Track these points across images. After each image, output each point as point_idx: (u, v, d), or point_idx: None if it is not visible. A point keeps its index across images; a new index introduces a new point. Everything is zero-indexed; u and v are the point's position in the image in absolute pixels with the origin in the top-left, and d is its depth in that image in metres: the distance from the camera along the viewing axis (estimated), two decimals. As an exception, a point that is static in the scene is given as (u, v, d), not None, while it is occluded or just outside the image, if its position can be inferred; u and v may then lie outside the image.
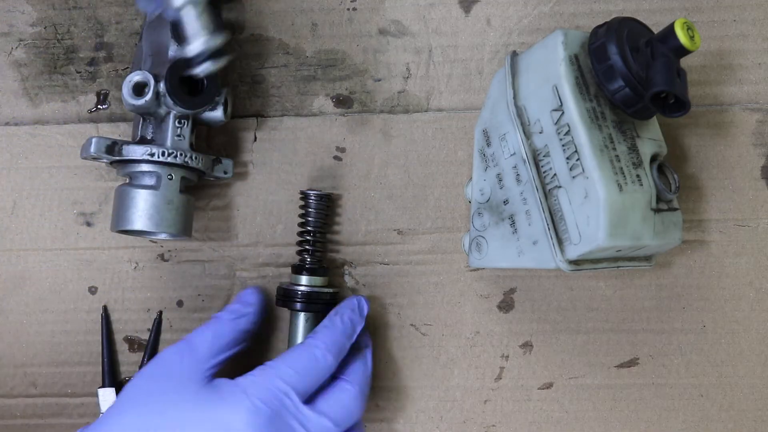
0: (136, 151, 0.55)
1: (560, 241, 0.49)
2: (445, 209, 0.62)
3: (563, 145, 0.49)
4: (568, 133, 0.49)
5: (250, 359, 0.58)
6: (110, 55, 0.64)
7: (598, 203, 0.47)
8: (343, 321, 0.55)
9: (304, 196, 0.60)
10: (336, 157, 0.63)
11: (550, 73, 0.50)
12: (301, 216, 0.60)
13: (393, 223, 0.62)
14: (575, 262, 0.50)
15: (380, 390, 0.62)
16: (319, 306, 0.58)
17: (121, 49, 0.64)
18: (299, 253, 0.60)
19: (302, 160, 0.63)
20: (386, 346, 0.62)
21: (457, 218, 0.62)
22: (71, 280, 0.63)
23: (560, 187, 0.49)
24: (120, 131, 0.63)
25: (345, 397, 0.53)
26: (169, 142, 0.56)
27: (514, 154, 0.53)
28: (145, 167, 0.56)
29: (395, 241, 0.62)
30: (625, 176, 0.48)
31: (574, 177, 0.48)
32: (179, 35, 0.53)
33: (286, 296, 0.58)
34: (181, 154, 0.56)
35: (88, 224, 0.63)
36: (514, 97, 0.53)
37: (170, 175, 0.56)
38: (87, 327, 0.63)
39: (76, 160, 0.63)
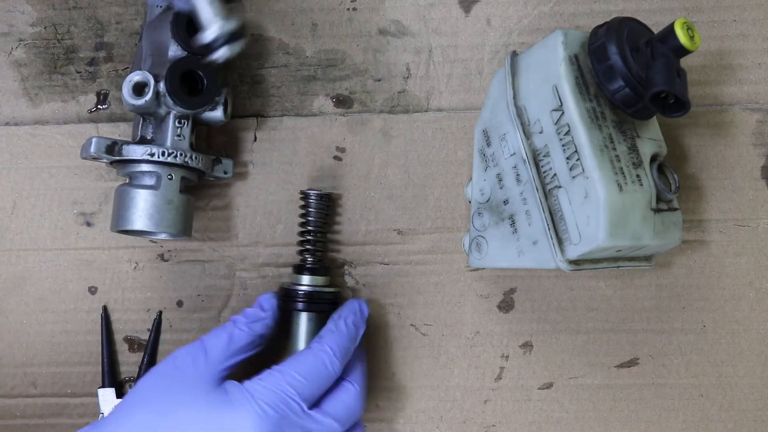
0: (136, 151, 0.55)
1: (560, 241, 0.49)
2: (445, 209, 0.62)
3: (563, 145, 0.49)
4: (568, 133, 0.49)
5: (252, 356, 0.58)
6: (110, 55, 0.64)
7: (598, 203, 0.47)
8: (347, 325, 0.55)
9: (305, 195, 0.60)
10: (336, 157, 0.63)
11: (550, 73, 0.50)
12: (302, 216, 0.60)
13: (393, 223, 0.62)
14: (575, 262, 0.50)
15: (380, 390, 0.62)
16: (321, 306, 0.58)
17: (121, 49, 0.64)
18: (300, 253, 0.60)
19: (302, 160, 0.63)
20: (386, 346, 0.62)
21: (457, 218, 0.62)
22: (71, 280, 0.63)
23: (560, 187, 0.49)
24: (120, 131, 0.63)
25: (349, 397, 0.54)
26: (169, 142, 0.56)
27: (514, 154, 0.53)
28: (145, 167, 0.56)
29: (395, 241, 0.62)
30: (625, 176, 0.48)
31: (574, 177, 0.48)
32: (195, 23, 0.53)
33: (288, 296, 0.58)
34: (181, 154, 0.56)
35: (88, 224, 0.63)
36: (514, 97, 0.53)
37: (170, 175, 0.56)
38: (87, 327, 0.63)
39: (76, 160, 0.63)
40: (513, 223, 0.53)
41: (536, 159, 0.51)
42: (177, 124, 0.57)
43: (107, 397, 0.61)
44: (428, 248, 0.62)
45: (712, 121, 0.62)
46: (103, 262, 0.63)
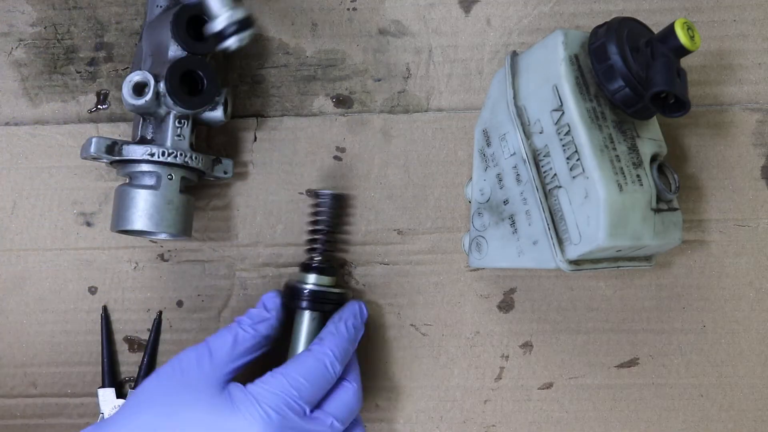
0: (136, 151, 0.55)
1: (560, 241, 0.49)
2: (445, 209, 0.62)
3: (563, 145, 0.49)
4: (568, 133, 0.49)
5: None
6: (110, 55, 0.64)
7: (598, 203, 0.47)
8: (347, 328, 0.56)
9: (317, 195, 0.60)
10: (336, 157, 0.63)
11: (550, 73, 0.50)
12: (313, 214, 0.60)
13: (393, 223, 0.62)
14: (575, 262, 0.50)
15: (380, 390, 0.62)
16: (326, 306, 0.58)
17: (121, 49, 0.64)
18: (308, 251, 0.60)
19: (302, 160, 0.63)
20: (386, 346, 0.62)
21: (457, 218, 0.62)
22: (71, 280, 0.63)
23: (560, 187, 0.49)
24: (120, 131, 0.63)
25: (348, 395, 0.54)
26: (169, 142, 0.56)
27: (514, 154, 0.53)
28: (145, 167, 0.56)
29: (395, 241, 0.62)
30: (625, 176, 0.48)
31: (574, 177, 0.48)
32: (205, 13, 0.53)
33: (293, 294, 0.58)
34: (181, 154, 0.56)
35: (88, 224, 0.63)
36: (514, 97, 0.53)
37: (170, 175, 0.56)
38: (87, 327, 0.63)
39: (76, 160, 0.63)
40: (513, 223, 0.53)
41: (536, 159, 0.51)
42: (177, 124, 0.57)
43: (107, 397, 0.61)
44: (428, 248, 0.62)
45: (712, 121, 0.62)
46: (103, 262, 0.63)
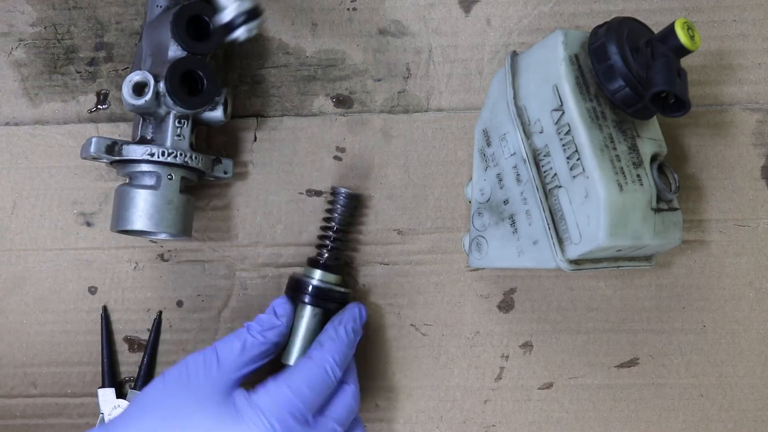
0: (136, 151, 0.55)
1: (561, 241, 0.49)
2: (445, 209, 0.62)
3: (563, 145, 0.49)
4: (568, 132, 0.49)
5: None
6: (110, 55, 0.64)
7: (598, 203, 0.47)
8: (347, 332, 0.55)
9: (334, 192, 0.60)
10: (336, 157, 0.63)
11: (551, 73, 0.50)
12: (327, 212, 0.60)
13: (393, 223, 0.62)
14: (576, 262, 0.50)
15: (380, 390, 0.62)
16: (328, 303, 0.57)
17: (121, 49, 0.64)
18: (318, 247, 0.59)
19: (302, 160, 0.63)
20: (386, 346, 0.62)
21: (457, 218, 0.62)
22: (71, 280, 0.63)
23: (560, 186, 0.49)
24: (120, 131, 0.63)
25: (347, 398, 0.54)
26: (169, 142, 0.56)
27: (515, 153, 0.53)
28: (145, 167, 0.56)
29: (395, 241, 0.62)
30: (625, 176, 0.48)
31: (574, 177, 0.48)
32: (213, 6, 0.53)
33: (297, 287, 0.57)
34: (181, 154, 0.56)
35: (88, 224, 0.63)
36: (514, 97, 0.53)
37: (170, 175, 0.56)
38: (87, 327, 0.62)
39: (76, 160, 0.63)
40: (513, 223, 0.53)
41: (536, 159, 0.51)
42: (177, 124, 0.57)
43: (107, 397, 0.61)
44: (428, 248, 0.62)
45: (712, 121, 0.62)
46: (103, 262, 0.63)
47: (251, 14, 0.51)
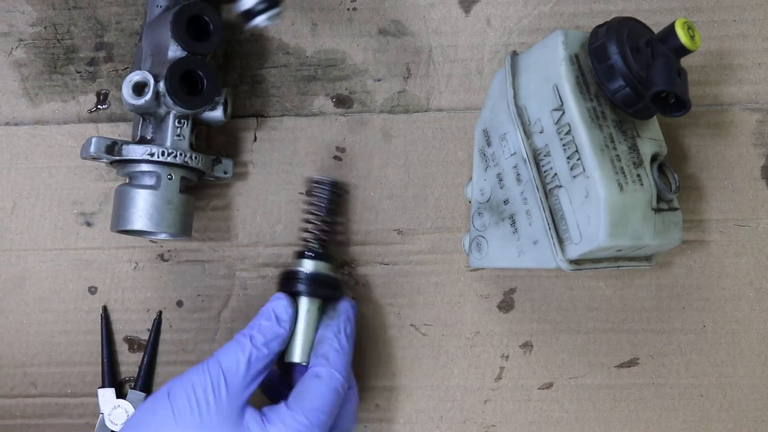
0: (136, 151, 0.55)
1: (561, 241, 0.49)
2: (445, 209, 0.62)
3: (564, 145, 0.49)
4: (568, 132, 0.49)
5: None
6: (110, 55, 0.64)
7: (598, 203, 0.47)
8: (347, 337, 0.54)
9: (314, 182, 0.58)
10: (336, 157, 0.63)
11: (551, 73, 0.50)
12: (309, 204, 0.58)
13: (393, 223, 0.62)
14: (576, 262, 0.50)
15: (380, 390, 0.62)
16: (326, 291, 0.56)
17: (121, 49, 0.64)
18: (304, 239, 0.58)
19: (302, 160, 0.63)
20: (386, 346, 0.62)
21: (457, 218, 0.62)
22: (71, 280, 0.63)
23: (561, 186, 0.49)
24: (120, 131, 0.63)
25: (352, 403, 0.55)
26: (168, 142, 0.56)
27: (515, 153, 0.53)
28: (145, 167, 0.56)
29: (395, 241, 0.62)
30: (625, 176, 0.48)
31: (574, 176, 0.48)
32: None
33: (291, 280, 0.55)
34: (181, 154, 0.56)
35: (88, 224, 0.63)
36: (515, 97, 0.53)
37: (170, 175, 0.56)
38: (87, 327, 0.62)
39: (76, 160, 0.63)
40: (513, 223, 0.53)
41: (537, 159, 0.51)
42: (177, 124, 0.57)
43: (107, 397, 0.61)
44: (428, 248, 0.62)
45: (712, 121, 0.62)
46: (103, 262, 0.63)
47: (271, 2, 0.50)
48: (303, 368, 0.55)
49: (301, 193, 0.62)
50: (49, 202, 0.63)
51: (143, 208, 0.55)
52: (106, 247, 0.63)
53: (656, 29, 0.50)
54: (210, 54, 0.57)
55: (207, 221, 0.63)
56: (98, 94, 0.64)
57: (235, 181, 0.63)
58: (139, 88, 0.55)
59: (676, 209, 0.52)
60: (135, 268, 0.63)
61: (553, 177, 0.50)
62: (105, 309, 0.63)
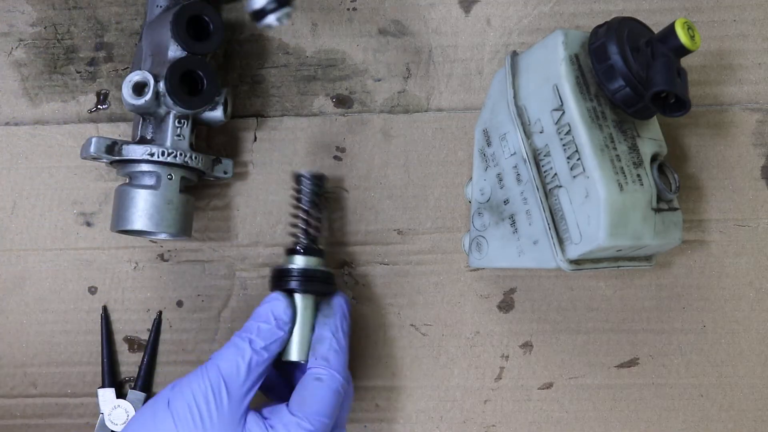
0: (136, 151, 0.55)
1: (561, 241, 0.49)
2: (445, 209, 0.62)
3: (564, 145, 0.49)
4: (568, 132, 0.49)
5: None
6: (110, 55, 0.64)
7: (598, 203, 0.47)
8: (345, 335, 0.54)
9: (297, 177, 0.57)
10: (336, 157, 0.63)
11: (551, 73, 0.50)
12: (295, 198, 0.58)
13: (393, 223, 0.62)
14: (576, 262, 0.50)
15: (380, 390, 0.62)
16: (321, 287, 0.55)
17: (121, 49, 0.64)
18: (293, 235, 0.57)
19: (302, 160, 0.63)
20: (386, 346, 0.62)
21: (457, 218, 0.62)
22: (71, 280, 0.63)
23: (561, 186, 0.49)
24: (120, 131, 0.63)
25: (347, 402, 0.54)
26: (168, 142, 0.56)
27: (515, 153, 0.53)
28: (145, 167, 0.56)
29: (395, 241, 0.62)
30: (625, 176, 0.48)
31: (574, 176, 0.48)
32: None
33: (284, 278, 0.54)
34: (180, 154, 0.56)
35: (88, 224, 0.63)
36: (515, 97, 0.53)
37: (170, 175, 0.56)
38: (87, 327, 0.62)
39: (76, 160, 0.63)
40: (513, 223, 0.53)
41: (537, 159, 0.51)
42: (177, 124, 0.57)
43: (107, 397, 0.61)
44: (428, 248, 0.62)
45: (712, 121, 0.62)
46: (103, 262, 0.63)
47: (282, 1, 0.50)
48: (301, 365, 0.55)
49: (294, 174, 0.60)
50: (49, 202, 0.63)
51: (143, 208, 0.55)
52: (106, 247, 0.63)
53: (656, 29, 0.50)
54: (210, 54, 0.57)
55: (207, 221, 0.63)
56: (98, 94, 0.64)
57: (235, 181, 0.63)
58: (139, 88, 0.55)
59: (676, 209, 0.52)
60: (135, 268, 0.63)
61: (553, 177, 0.50)
62: (105, 309, 0.63)
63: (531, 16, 0.63)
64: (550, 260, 0.50)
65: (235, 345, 0.51)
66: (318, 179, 0.58)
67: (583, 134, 0.48)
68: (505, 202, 0.54)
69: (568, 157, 0.49)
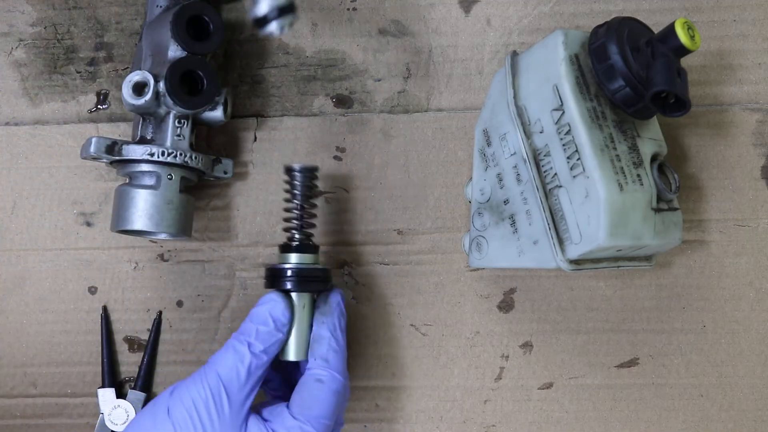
0: (136, 151, 0.55)
1: (561, 241, 0.49)
2: (445, 209, 0.62)
3: (564, 145, 0.49)
4: (568, 132, 0.49)
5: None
6: (110, 55, 0.64)
7: (598, 203, 0.47)
8: (343, 333, 0.54)
9: (288, 170, 0.56)
10: (336, 157, 0.63)
11: (551, 73, 0.50)
12: (287, 192, 0.56)
13: (393, 223, 0.62)
14: (576, 262, 0.50)
15: (380, 390, 0.62)
16: (317, 286, 0.54)
17: (121, 49, 0.64)
18: (287, 230, 0.56)
19: (302, 160, 0.63)
20: (386, 346, 0.62)
21: (457, 218, 0.62)
22: (71, 280, 0.63)
23: (561, 186, 0.49)
24: (120, 131, 0.63)
25: (346, 399, 0.54)
26: (168, 142, 0.56)
27: (515, 153, 0.53)
28: (145, 167, 0.55)
29: (395, 241, 0.62)
30: (625, 176, 0.48)
31: (574, 176, 0.48)
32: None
33: (280, 277, 0.53)
34: (180, 154, 0.56)
35: (88, 224, 0.63)
36: (515, 97, 0.53)
37: (170, 175, 0.56)
38: (87, 327, 0.62)
39: (76, 160, 0.63)
40: (513, 223, 0.53)
41: (537, 158, 0.51)
42: (177, 124, 0.57)
43: (107, 397, 0.61)
44: (428, 248, 0.62)
45: (712, 121, 0.62)
46: (103, 262, 0.63)
47: (285, 9, 0.50)
48: (300, 362, 0.55)
49: (285, 167, 0.58)
50: (49, 202, 0.63)
51: (143, 208, 0.55)
52: (106, 247, 0.63)
53: (656, 29, 0.50)
54: (210, 54, 0.57)
55: (207, 221, 0.63)
56: (98, 94, 0.64)
57: (235, 181, 0.63)
58: (139, 88, 0.55)
59: (676, 209, 0.52)
60: (135, 268, 0.63)
61: (553, 177, 0.50)
62: (105, 309, 0.63)
63: (531, 16, 0.63)
64: (550, 260, 0.50)
65: (233, 349, 0.50)
66: (309, 172, 0.56)
67: (583, 134, 0.48)
68: (505, 202, 0.54)
69: (568, 157, 0.49)
